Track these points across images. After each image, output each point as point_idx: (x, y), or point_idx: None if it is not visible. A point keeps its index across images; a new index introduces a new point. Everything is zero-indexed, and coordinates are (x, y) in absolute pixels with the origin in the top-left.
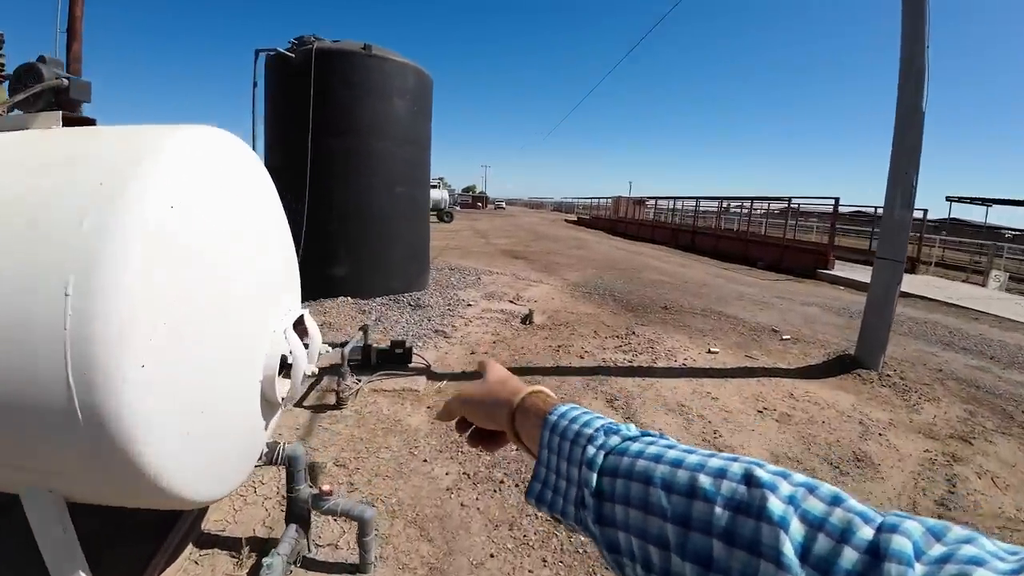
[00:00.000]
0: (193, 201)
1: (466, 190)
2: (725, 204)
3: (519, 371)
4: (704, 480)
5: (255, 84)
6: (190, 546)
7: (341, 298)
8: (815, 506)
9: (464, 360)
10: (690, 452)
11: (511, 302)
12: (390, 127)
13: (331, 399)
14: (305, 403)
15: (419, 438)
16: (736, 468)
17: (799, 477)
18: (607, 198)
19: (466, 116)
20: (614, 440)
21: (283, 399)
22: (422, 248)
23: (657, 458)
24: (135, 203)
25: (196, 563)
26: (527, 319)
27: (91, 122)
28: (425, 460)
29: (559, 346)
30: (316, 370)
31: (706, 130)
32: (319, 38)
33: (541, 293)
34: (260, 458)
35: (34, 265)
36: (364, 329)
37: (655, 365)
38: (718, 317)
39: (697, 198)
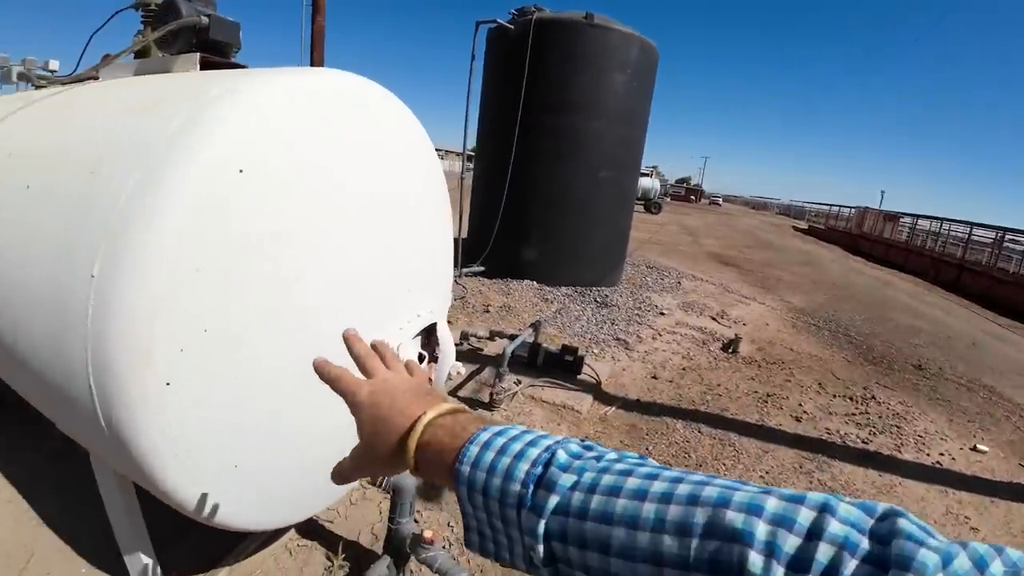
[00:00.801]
0: (278, 165)
1: (680, 181)
2: (1003, 236)
3: (709, 419)
4: (669, 543)
5: (473, 57)
6: (292, 531)
7: (527, 281)
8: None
9: (643, 385)
10: (644, 495)
11: (713, 319)
12: (607, 104)
13: (485, 395)
14: (460, 393)
15: None
16: (701, 517)
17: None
18: (849, 207)
19: (690, 99)
20: (552, 501)
21: None
22: (621, 240)
23: (607, 518)
24: (182, 161)
25: (290, 553)
26: (731, 346)
27: (238, 68)
28: None
29: (768, 395)
30: None
31: (993, 141)
32: (540, 8)
33: (753, 314)
34: (360, 483)
35: (83, 222)
36: (535, 325)
37: (899, 456)
38: (989, 395)
39: (970, 224)
